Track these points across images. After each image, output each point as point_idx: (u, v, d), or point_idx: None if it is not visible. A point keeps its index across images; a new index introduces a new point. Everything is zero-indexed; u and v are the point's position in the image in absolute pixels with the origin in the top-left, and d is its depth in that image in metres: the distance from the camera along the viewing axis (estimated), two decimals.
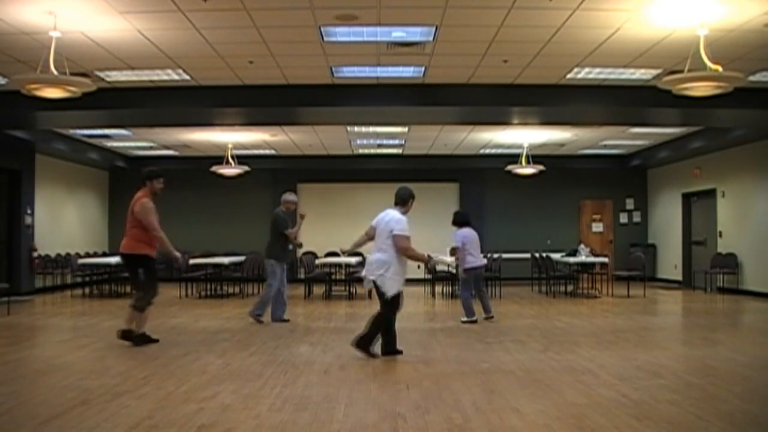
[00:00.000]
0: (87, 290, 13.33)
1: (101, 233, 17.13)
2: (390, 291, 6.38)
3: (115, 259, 13.55)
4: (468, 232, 9.24)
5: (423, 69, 8.89)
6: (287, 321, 9.04)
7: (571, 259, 13.20)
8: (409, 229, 6.47)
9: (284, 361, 6.29)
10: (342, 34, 7.48)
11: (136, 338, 7.01)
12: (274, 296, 8.95)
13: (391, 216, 6.49)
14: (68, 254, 14.65)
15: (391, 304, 6.45)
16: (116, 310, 10.62)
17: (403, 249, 6.41)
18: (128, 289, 13.51)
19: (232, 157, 14.47)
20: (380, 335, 6.52)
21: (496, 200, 17.31)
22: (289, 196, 9.32)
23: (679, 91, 6.85)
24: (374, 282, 6.40)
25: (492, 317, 9.16)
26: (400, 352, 6.58)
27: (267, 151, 15.89)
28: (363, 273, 6.58)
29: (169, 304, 11.68)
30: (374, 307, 11.27)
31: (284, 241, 9.06)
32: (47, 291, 13.88)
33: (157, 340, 7.20)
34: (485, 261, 9.98)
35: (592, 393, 5.01)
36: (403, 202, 6.64)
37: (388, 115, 10.82)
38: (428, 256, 7.09)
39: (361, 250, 16.12)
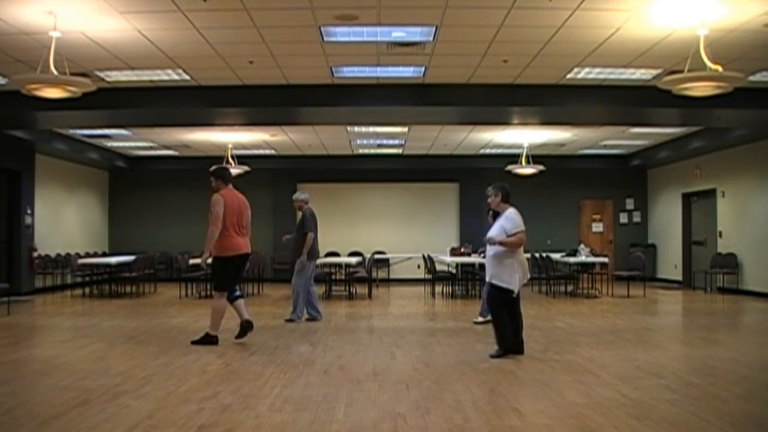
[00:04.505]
0: (87, 290, 13.33)
1: (101, 233, 17.13)
2: None
3: (115, 259, 13.62)
4: None
5: (423, 69, 8.88)
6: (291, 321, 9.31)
7: (571, 259, 13.20)
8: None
9: (284, 361, 6.29)
10: (342, 34, 7.47)
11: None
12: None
13: None
14: (68, 254, 14.64)
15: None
16: (116, 310, 10.63)
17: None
18: (128, 289, 13.56)
19: (232, 157, 14.46)
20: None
21: None
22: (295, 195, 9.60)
23: (679, 91, 6.84)
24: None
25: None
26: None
27: (267, 151, 15.89)
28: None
29: (169, 304, 11.69)
30: (374, 307, 11.39)
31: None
32: (47, 291, 13.87)
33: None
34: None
35: (592, 393, 5.01)
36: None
37: (388, 115, 10.81)
38: None
39: (360, 249, 16.36)
